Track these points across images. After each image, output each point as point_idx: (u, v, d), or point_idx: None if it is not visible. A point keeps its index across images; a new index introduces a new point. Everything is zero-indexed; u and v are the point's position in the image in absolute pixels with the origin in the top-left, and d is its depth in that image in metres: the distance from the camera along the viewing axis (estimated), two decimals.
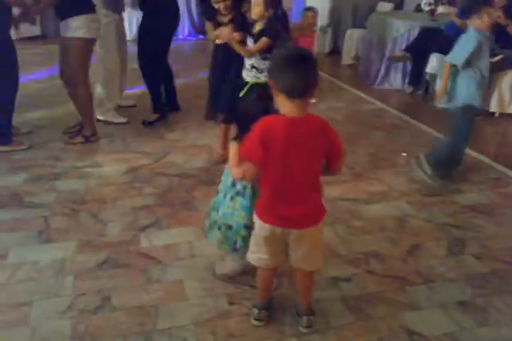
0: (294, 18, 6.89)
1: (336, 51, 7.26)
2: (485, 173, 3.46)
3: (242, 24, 3.30)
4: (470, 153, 3.74)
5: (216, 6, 3.41)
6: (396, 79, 5.70)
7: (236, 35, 3.08)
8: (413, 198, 3.09)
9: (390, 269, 2.38)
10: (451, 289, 2.26)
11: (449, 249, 2.55)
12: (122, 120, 4.35)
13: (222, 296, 2.17)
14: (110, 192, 3.11)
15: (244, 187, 2.03)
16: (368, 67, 5.95)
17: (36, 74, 5.71)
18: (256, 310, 2.02)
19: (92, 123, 3.91)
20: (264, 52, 3.05)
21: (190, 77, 5.86)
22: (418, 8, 6.34)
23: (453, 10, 5.50)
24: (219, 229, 2.12)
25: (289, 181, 1.72)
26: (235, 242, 2.09)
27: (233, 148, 1.88)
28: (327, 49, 7.30)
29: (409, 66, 5.56)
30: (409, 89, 5.53)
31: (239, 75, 3.23)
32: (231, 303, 2.13)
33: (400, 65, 5.63)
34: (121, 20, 4.39)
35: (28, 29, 7.73)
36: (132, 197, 3.04)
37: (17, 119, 3.89)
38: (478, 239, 2.64)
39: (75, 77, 3.69)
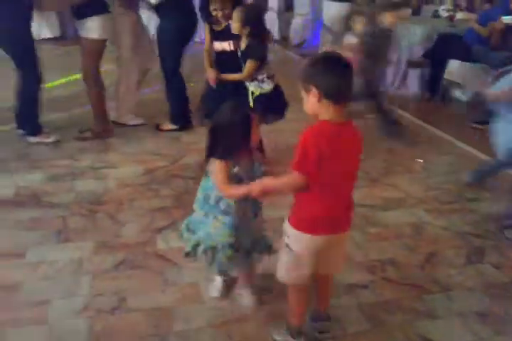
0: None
1: None
2: (502, 181, 3.42)
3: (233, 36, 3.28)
4: (486, 159, 3.71)
5: (214, 13, 3.38)
6: (413, 85, 5.66)
7: (224, 76, 3.32)
8: (430, 205, 3.06)
9: (407, 277, 2.36)
10: (469, 298, 2.23)
11: (467, 258, 2.53)
12: (139, 122, 4.36)
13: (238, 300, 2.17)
14: (127, 193, 3.13)
15: (229, 205, 1.90)
16: (384, 73, 5.91)
17: (55, 74, 5.75)
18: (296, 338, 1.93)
19: (104, 121, 3.98)
20: (257, 70, 3.18)
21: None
22: (436, 14, 6.31)
23: (472, 16, 5.47)
24: (204, 252, 1.98)
25: (344, 186, 1.70)
26: (221, 263, 2.00)
27: (219, 165, 1.80)
28: None
29: (426, 72, 5.53)
30: (426, 95, 5.50)
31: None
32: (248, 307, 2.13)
33: (418, 70, 5.60)
34: (139, 18, 4.21)
35: (48, 30, 7.85)
36: (149, 199, 3.05)
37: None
38: (498, 248, 2.62)
39: (87, 75, 3.80)
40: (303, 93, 1.62)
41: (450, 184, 3.37)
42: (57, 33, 8.05)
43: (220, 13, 3.38)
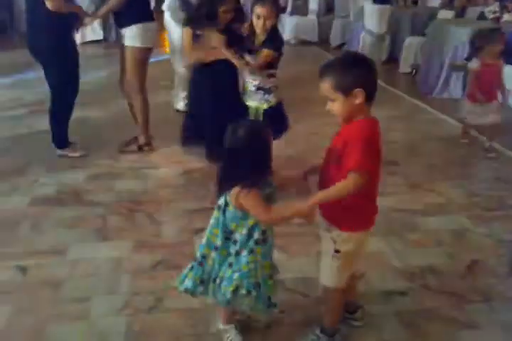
0: None
1: (392, 59, 7.13)
2: None
3: (234, 39, 2.92)
4: None
5: (223, 16, 2.89)
6: (456, 89, 5.53)
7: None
8: (472, 212, 2.98)
9: (447, 285, 2.30)
10: (511, 309, 2.16)
11: (510, 267, 2.45)
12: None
13: None
14: (166, 193, 3.18)
15: (263, 232, 1.72)
16: (426, 76, 5.81)
17: (96, 74, 5.89)
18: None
19: (147, 132, 3.89)
20: (268, 68, 2.78)
21: None
22: (482, 16, 6.15)
23: None
24: (247, 295, 1.72)
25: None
26: (269, 297, 1.81)
27: (252, 193, 1.61)
28: (384, 56, 7.18)
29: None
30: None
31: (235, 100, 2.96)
32: (281, 311, 2.11)
33: (461, 74, 5.46)
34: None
35: (92, 33, 8.07)
36: (187, 200, 3.09)
37: (77, 119, 4.02)
38: None
39: (131, 85, 3.72)
40: (335, 96, 1.59)
41: (493, 190, 3.27)
42: (100, 36, 8.26)
43: (229, 16, 2.90)
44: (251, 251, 1.71)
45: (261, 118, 2.95)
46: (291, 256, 2.51)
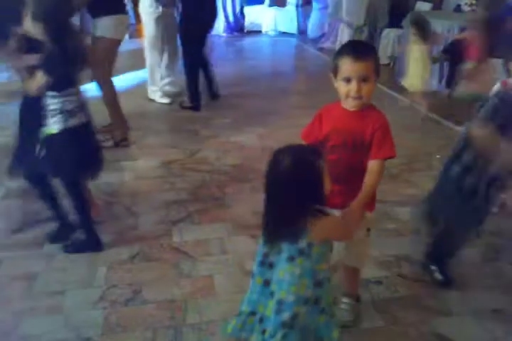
0: None
1: None
2: None
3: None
4: None
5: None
6: (433, 81, 5.59)
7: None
8: None
9: (423, 274, 2.34)
10: (484, 296, 2.20)
11: (483, 256, 2.50)
12: (166, 101, 4.77)
13: None
14: (144, 185, 3.16)
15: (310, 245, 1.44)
16: (403, 67, 5.85)
17: None
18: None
19: (121, 125, 3.83)
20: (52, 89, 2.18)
21: (224, 75, 5.88)
22: (458, 9, 6.21)
23: None
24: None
25: None
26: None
27: (331, 218, 1.47)
28: None
29: (446, 67, 5.45)
30: (445, 91, 5.42)
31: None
32: None
33: (437, 66, 5.52)
34: (171, 15, 4.64)
35: None
36: (165, 192, 3.08)
37: None
38: None
39: (99, 76, 3.71)
40: (372, 77, 1.62)
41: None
42: (76, 28, 8.12)
43: None
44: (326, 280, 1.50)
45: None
46: None
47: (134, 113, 4.30)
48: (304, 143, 1.76)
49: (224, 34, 9.16)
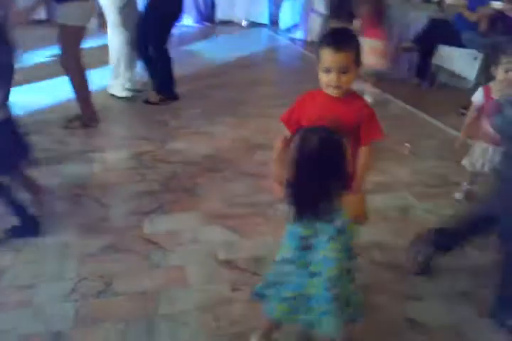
0: None
1: None
2: None
3: None
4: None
5: None
6: (403, 70, 5.66)
7: None
8: (416, 189, 3.08)
9: (393, 259, 2.38)
10: (453, 280, 2.26)
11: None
12: (125, 94, 4.53)
13: (224, 282, 2.18)
14: (114, 177, 3.11)
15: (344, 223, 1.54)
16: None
17: (40, 56, 5.67)
18: None
19: (89, 109, 3.86)
20: None
21: (194, 65, 5.83)
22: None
23: (462, 2, 5.44)
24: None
25: None
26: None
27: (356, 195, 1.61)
28: None
29: (415, 57, 5.52)
30: (415, 80, 5.50)
31: None
32: (233, 289, 2.14)
33: (407, 55, 5.59)
34: (133, 1, 4.45)
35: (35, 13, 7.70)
36: (136, 183, 3.04)
37: (21, 104, 3.87)
38: None
39: (67, 62, 3.68)
40: (352, 67, 1.65)
41: (436, 168, 3.39)
42: (43, 16, 7.90)
43: None
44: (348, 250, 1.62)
45: None
46: (242, 237, 2.52)
47: (102, 104, 4.23)
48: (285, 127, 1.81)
49: (194, 24, 9.06)
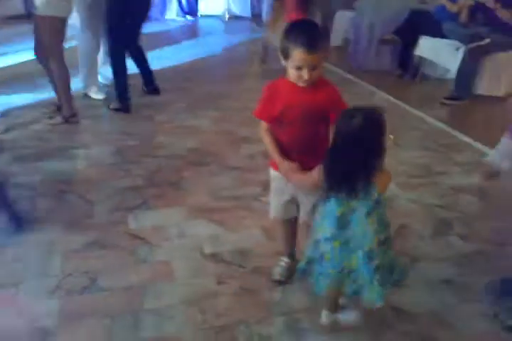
0: None
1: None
2: (470, 155, 3.48)
3: None
4: (456, 135, 3.78)
5: None
6: (385, 62, 5.69)
7: None
8: (400, 179, 3.11)
9: None
10: (436, 268, 2.28)
11: (435, 230, 2.58)
12: (100, 96, 4.37)
13: (210, 276, 2.18)
14: (98, 173, 3.09)
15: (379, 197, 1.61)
16: (356, 49, 5.93)
17: (20, 53, 5.59)
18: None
19: (70, 103, 3.82)
20: None
21: (177, 59, 5.80)
22: None
23: None
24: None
25: None
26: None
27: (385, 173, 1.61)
28: None
29: (398, 49, 5.55)
30: (397, 72, 5.53)
31: None
32: (219, 283, 2.14)
33: (389, 47, 5.61)
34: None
35: (12, 8, 7.59)
36: (120, 178, 3.02)
37: (1, 100, 3.84)
38: (464, 220, 2.67)
39: (48, 55, 3.63)
40: (321, 64, 1.69)
41: (420, 159, 3.42)
42: (22, 11, 7.78)
43: None
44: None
45: None
46: (228, 230, 2.53)
47: (82, 102, 4.20)
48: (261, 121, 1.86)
49: (177, 18, 9.01)
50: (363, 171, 1.54)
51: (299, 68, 1.68)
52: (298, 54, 1.66)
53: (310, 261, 1.74)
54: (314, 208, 1.86)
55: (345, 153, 1.54)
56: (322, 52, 1.69)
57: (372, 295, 1.65)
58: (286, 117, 1.79)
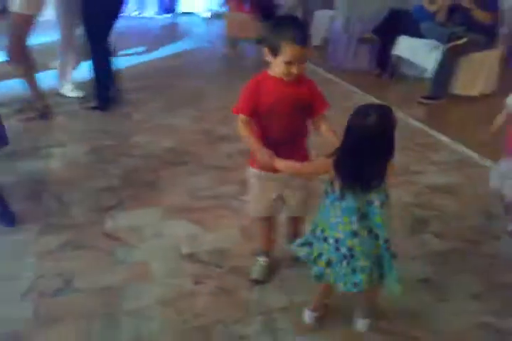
0: None
1: None
2: (446, 154, 3.52)
3: None
4: (433, 134, 3.82)
5: None
6: (363, 61, 5.71)
7: None
8: None
9: None
10: (412, 266, 2.30)
11: (411, 228, 2.60)
12: (75, 94, 4.32)
13: (187, 276, 2.17)
14: (73, 172, 3.05)
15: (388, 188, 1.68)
16: (335, 49, 5.95)
17: None
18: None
19: (41, 96, 3.82)
20: None
21: (155, 56, 5.75)
22: None
23: None
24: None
25: None
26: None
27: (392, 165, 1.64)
28: None
29: (377, 48, 5.58)
30: (376, 71, 5.56)
31: None
32: (196, 283, 2.13)
33: (368, 46, 5.64)
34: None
35: None
36: (96, 178, 2.98)
37: None
38: (440, 218, 2.70)
39: (14, 51, 3.62)
40: (308, 55, 1.72)
41: (397, 157, 3.42)
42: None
43: None
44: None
45: None
46: (206, 230, 2.51)
47: (58, 98, 4.14)
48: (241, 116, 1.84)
49: (156, 16, 8.93)
50: (377, 167, 1.57)
51: (289, 63, 1.70)
52: (291, 49, 1.67)
53: (329, 262, 1.72)
54: (303, 203, 2.04)
55: (360, 150, 1.53)
56: (310, 46, 1.73)
57: (394, 284, 1.73)
58: (275, 110, 1.80)
